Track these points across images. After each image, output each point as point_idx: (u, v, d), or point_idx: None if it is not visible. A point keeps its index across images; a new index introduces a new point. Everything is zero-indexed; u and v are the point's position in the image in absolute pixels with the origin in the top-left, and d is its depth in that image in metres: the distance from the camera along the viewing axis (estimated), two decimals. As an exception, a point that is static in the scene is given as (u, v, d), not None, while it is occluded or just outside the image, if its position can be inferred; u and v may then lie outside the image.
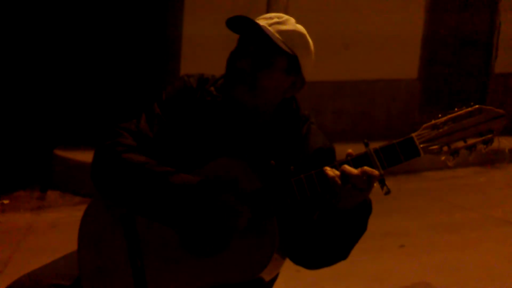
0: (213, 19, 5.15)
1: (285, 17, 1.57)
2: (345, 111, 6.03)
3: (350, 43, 5.83)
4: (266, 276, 1.47)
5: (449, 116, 1.40)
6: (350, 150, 1.40)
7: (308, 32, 1.59)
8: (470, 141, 1.40)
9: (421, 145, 1.38)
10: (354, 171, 1.35)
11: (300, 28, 1.58)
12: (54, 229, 3.62)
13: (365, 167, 1.35)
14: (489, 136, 1.39)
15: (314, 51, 1.60)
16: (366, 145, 1.39)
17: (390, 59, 6.06)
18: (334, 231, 1.47)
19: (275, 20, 1.55)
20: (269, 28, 1.52)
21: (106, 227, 1.52)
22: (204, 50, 4.68)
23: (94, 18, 5.21)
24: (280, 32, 1.52)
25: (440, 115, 1.40)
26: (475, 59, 6.83)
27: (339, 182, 1.36)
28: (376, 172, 1.35)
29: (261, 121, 1.57)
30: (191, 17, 5.02)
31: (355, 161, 1.38)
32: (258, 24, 1.49)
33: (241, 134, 1.56)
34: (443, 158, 1.40)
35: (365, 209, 1.49)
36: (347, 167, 1.36)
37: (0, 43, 4.96)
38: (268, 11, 4.57)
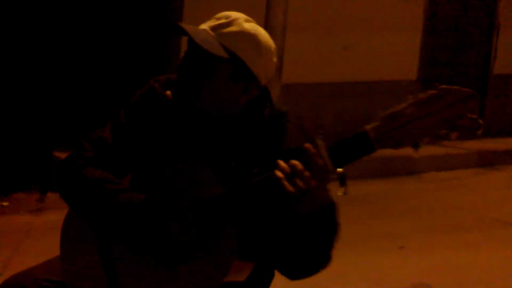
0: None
1: (233, 16, 1.44)
2: (344, 112, 6.03)
3: (350, 44, 5.83)
4: (237, 278, 1.43)
5: (409, 101, 1.21)
6: (307, 145, 1.28)
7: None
8: (434, 130, 1.20)
9: (377, 138, 1.23)
10: (299, 166, 1.25)
11: (249, 27, 1.43)
12: (53, 231, 3.56)
13: (314, 163, 1.24)
14: (455, 122, 1.19)
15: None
16: (313, 141, 1.28)
17: (389, 60, 6.06)
18: (298, 235, 1.38)
19: (221, 21, 1.43)
20: (211, 32, 1.41)
21: (83, 230, 1.52)
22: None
23: (94, 21, 5.22)
24: (222, 35, 1.41)
25: (400, 103, 1.23)
26: (474, 61, 6.84)
27: (286, 181, 1.25)
28: (321, 163, 1.24)
29: (225, 124, 1.49)
30: (190, 20, 5.02)
31: (308, 158, 1.27)
32: (191, 35, 1.38)
33: (204, 137, 1.50)
34: (411, 151, 1.24)
35: (327, 210, 1.36)
36: (293, 164, 1.26)
37: (1, 46, 4.96)
38: (267, 13, 4.58)
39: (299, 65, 5.29)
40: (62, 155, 4.46)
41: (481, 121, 1.19)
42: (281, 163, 1.29)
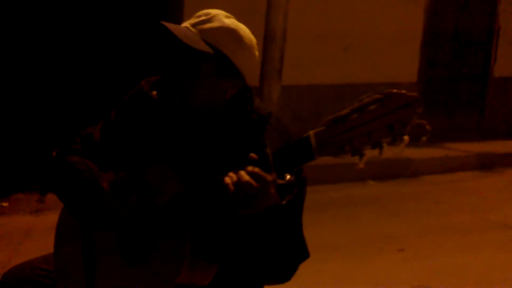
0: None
1: (213, 13, 1.44)
2: (345, 114, 6.03)
3: (350, 46, 5.84)
4: (199, 281, 1.44)
5: (354, 106, 1.14)
6: (252, 154, 1.26)
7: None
8: (376, 137, 1.12)
9: (318, 145, 1.17)
10: (244, 177, 1.23)
11: (230, 22, 1.43)
12: (53, 232, 3.58)
13: (256, 171, 1.22)
14: (398, 129, 1.11)
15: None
16: (264, 147, 1.26)
17: (390, 62, 6.07)
18: (246, 241, 1.37)
19: (202, 18, 1.43)
20: (192, 29, 1.42)
21: (71, 227, 1.57)
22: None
23: (95, 22, 5.22)
24: (205, 31, 1.41)
25: (346, 106, 1.16)
26: (474, 63, 6.85)
27: (232, 187, 1.23)
28: (268, 177, 1.22)
29: (207, 124, 1.49)
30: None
31: (255, 165, 1.24)
32: (172, 32, 1.37)
33: (183, 138, 1.50)
34: (358, 161, 1.15)
35: (273, 219, 1.33)
36: (239, 172, 1.24)
37: (2, 47, 4.96)
38: (267, 14, 4.58)
39: (299, 67, 5.30)
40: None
41: (428, 127, 1.13)
42: (242, 172, 1.26)
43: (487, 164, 5.87)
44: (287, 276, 1.47)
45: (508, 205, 4.77)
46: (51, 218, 3.89)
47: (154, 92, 1.51)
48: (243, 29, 1.46)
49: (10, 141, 4.71)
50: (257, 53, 1.50)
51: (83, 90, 5.22)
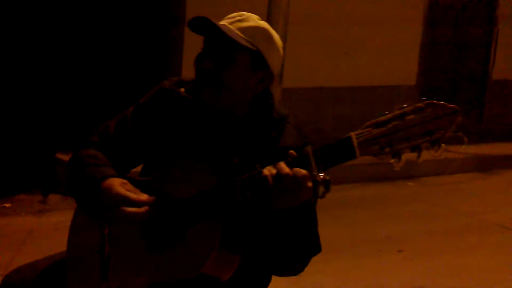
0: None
1: (247, 14, 1.57)
2: (344, 117, 6.05)
3: (350, 50, 5.86)
4: (220, 274, 1.47)
5: (395, 113, 1.25)
6: (291, 151, 1.35)
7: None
8: (416, 141, 1.24)
9: (360, 145, 1.26)
10: (285, 170, 1.31)
11: (263, 23, 1.57)
12: (56, 232, 3.63)
13: (296, 168, 1.31)
14: (438, 135, 1.22)
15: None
16: (305, 145, 1.33)
17: (389, 65, 6.09)
18: (276, 235, 1.44)
19: (237, 18, 1.55)
20: (230, 26, 1.53)
21: (90, 223, 1.61)
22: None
23: (96, 23, 5.24)
24: (241, 29, 1.53)
25: (386, 112, 1.26)
26: (472, 66, 6.87)
27: (271, 181, 1.32)
28: (303, 172, 1.30)
29: (233, 121, 1.58)
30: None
31: (294, 161, 1.33)
32: (215, 24, 1.49)
33: (210, 134, 1.58)
34: (391, 161, 1.26)
35: (306, 214, 1.43)
36: (280, 166, 1.33)
37: (4, 46, 4.98)
38: (268, 17, 4.60)
39: (300, 70, 5.31)
40: (65, 157, 4.49)
41: (465, 139, 1.24)
42: (282, 166, 1.34)
43: (485, 166, 5.89)
44: (302, 268, 1.55)
45: (506, 207, 4.79)
46: (54, 219, 3.95)
47: (182, 89, 1.61)
48: (273, 30, 1.59)
49: (12, 142, 4.72)
50: (282, 53, 1.61)
51: (85, 90, 5.24)
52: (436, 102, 1.23)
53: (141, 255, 1.50)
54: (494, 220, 4.44)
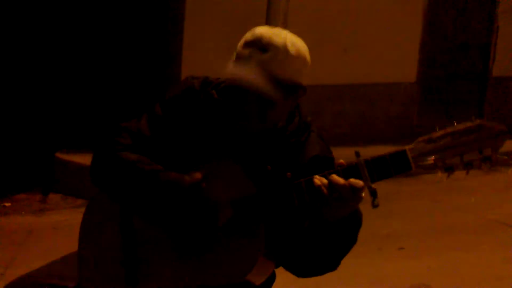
0: (213, 23, 5.18)
1: (266, 39, 1.48)
2: (344, 114, 6.05)
3: (350, 47, 5.86)
4: (255, 279, 1.47)
5: (447, 130, 1.34)
6: (341, 161, 1.39)
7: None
8: (468, 158, 1.34)
9: (414, 159, 1.34)
10: (341, 181, 1.34)
11: (294, 51, 1.49)
12: (56, 232, 3.63)
13: (352, 179, 1.34)
14: (488, 154, 1.33)
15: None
16: (357, 155, 1.37)
17: (389, 63, 6.09)
18: (321, 242, 1.46)
19: (268, 54, 1.46)
20: (264, 67, 1.46)
21: (105, 222, 1.57)
22: (205, 54, 4.71)
23: (96, 22, 5.24)
24: (273, 70, 1.46)
25: (437, 128, 1.34)
26: (473, 63, 6.87)
27: (326, 191, 1.35)
28: (361, 183, 1.34)
29: (267, 129, 1.57)
30: (191, 21, 5.05)
31: (345, 171, 1.36)
32: (250, 91, 1.46)
33: (241, 138, 1.57)
34: (439, 174, 1.35)
35: (354, 221, 1.47)
36: (334, 177, 1.35)
37: (3, 46, 4.98)
38: (268, 16, 4.60)
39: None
40: (65, 157, 4.49)
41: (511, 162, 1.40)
42: (336, 177, 1.37)
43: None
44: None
45: (507, 204, 4.79)
46: (54, 218, 3.95)
47: (213, 92, 1.59)
48: (304, 49, 1.52)
49: (12, 141, 4.73)
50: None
51: (85, 90, 5.24)
52: (487, 124, 1.33)
53: (173, 260, 1.47)
54: (495, 218, 4.44)
